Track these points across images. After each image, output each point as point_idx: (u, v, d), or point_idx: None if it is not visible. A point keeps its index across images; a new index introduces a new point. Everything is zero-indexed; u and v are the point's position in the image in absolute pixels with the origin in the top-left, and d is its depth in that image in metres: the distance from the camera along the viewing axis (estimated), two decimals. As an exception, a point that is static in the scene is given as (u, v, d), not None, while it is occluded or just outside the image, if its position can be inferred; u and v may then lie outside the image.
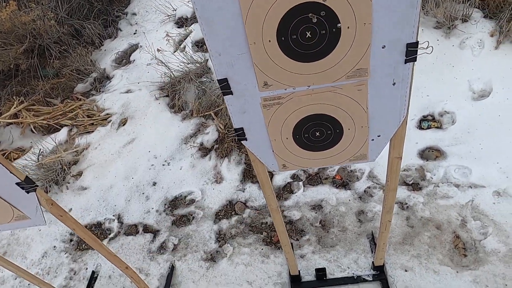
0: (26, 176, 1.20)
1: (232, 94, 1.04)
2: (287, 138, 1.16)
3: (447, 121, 2.40)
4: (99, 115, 3.12)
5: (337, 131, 1.15)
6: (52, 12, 3.59)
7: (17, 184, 1.19)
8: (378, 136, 1.17)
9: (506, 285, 1.75)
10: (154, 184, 2.65)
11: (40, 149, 2.94)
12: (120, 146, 2.89)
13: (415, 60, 0.98)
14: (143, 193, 2.62)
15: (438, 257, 1.91)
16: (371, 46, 0.94)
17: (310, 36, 0.90)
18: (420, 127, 2.43)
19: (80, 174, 2.86)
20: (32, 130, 3.21)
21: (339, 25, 0.89)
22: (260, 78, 0.99)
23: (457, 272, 1.83)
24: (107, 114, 3.11)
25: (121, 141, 2.92)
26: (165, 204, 2.53)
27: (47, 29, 3.53)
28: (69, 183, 2.83)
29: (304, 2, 0.85)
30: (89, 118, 3.11)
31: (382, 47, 0.94)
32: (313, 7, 0.86)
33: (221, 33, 0.90)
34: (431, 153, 2.31)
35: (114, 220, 2.53)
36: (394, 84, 1.03)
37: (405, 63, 0.99)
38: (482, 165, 2.15)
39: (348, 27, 0.89)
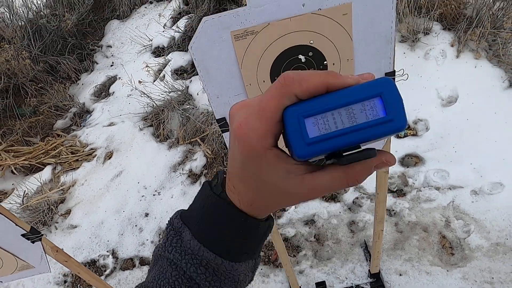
0: (32, 227, 1.21)
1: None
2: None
3: (421, 128, 2.56)
4: (83, 151, 3.10)
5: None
6: (26, 51, 3.56)
7: (23, 235, 1.20)
8: (366, 155, 1.27)
9: (493, 277, 1.87)
10: (147, 215, 2.65)
11: (25, 190, 2.88)
12: (108, 180, 2.87)
13: (394, 87, 1.10)
14: (136, 226, 2.61)
15: (429, 258, 2.02)
16: (355, 78, 1.04)
17: (300, 74, 1.00)
18: (398, 136, 2.58)
19: (68, 212, 2.81)
20: (12, 172, 3.14)
21: (325, 62, 0.98)
22: (257, 114, 1.07)
23: (447, 270, 1.95)
24: (92, 149, 3.09)
25: (109, 175, 2.91)
26: (159, 234, 2.53)
27: (22, 68, 3.50)
28: (57, 222, 2.78)
29: (294, 46, 0.94)
30: (73, 155, 3.08)
31: (364, 78, 1.05)
32: (301, 49, 0.95)
33: (218, 78, 0.98)
34: (410, 160, 2.45)
35: (108, 256, 2.51)
36: (377, 108, 1.13)
37: (385, 89, 1.09)
38: (457, 167, 2.31)
39: (334, 64, 0.99)
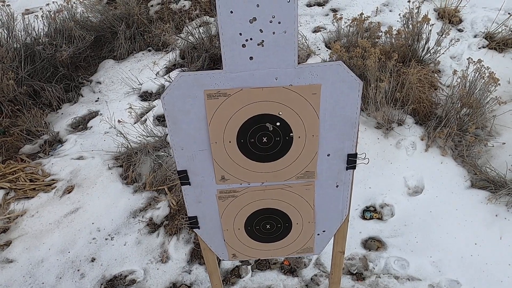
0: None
1: (189, 185, 1.09)
2: (239, 229, 1.20)
3: (387, 213, 2.59)
4: (43, 180, 2.95)
5: (286, 224, 1.22)
6: (12, 72, 3.56)
7: None
8: (323, 231, 1.26)
9: None
10: (93, 260, 2.46)
11: (-33, 213, 2.66)
12: (61, 216, 2.71)
13: (355, 168, 1.13)
14: (78, 270, 2.41)
15: None
16: (318, 154, 1.07)
17: (266, 141, 1.02)
18: (363, 217, 2.59)
19: (8, 244, 2.58)
20: (-39, 190, 2.92)
21: (291, 134, 1.02)
22: (218, 172, 1.07)
23: None
24: (53, 179, 2.95)
25: (63, 210, 2.75)
26: (101, 284, 2.33)
27: (4, 87, 3.46)
28: (-8, 254, 2.53)
29: (263, 114, 0.98)
30: (31, 182, 2.93)
31: (327, 155, 1.08)
32: (270, 118, 0.99)
33: (185, 131, 0.99)
34: (373, 243, 2.43)
35: (38, 300, 2.26)
36: (337, 186, 1.15)
37: (346, 169, 1.13)
38: (417, 258, 2.30)
39: (299, 137, 1.03)
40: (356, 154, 1.08)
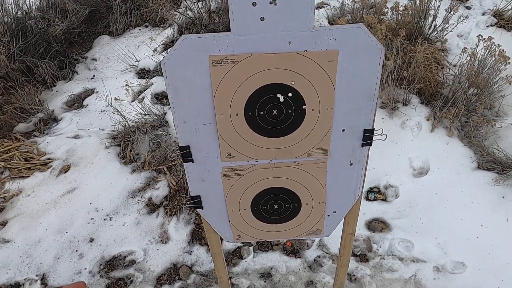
0: None
1: (192, 162, 1.02)
2: (245, 209, 1.13)
3: (391, 194, 2.54)
4: (38, 159, 2.87)
5: (295, 205, 1.15)
6: (4, 47, 3.41)
7: None
8: (334, 212, 1.19)
9: None
10: (91, 240, 2.41)
11: (-40, 192, 2.59)
12: (58, 195, 2.64)
13: (371, 145, 1.05)
14: (76, 250, 2.36)
15: (384, 334, 1.89)
16: (332, 129, 0.99)
17: (276, 113, 0.94)
18: (367, 198, 2.54)
19: (4, 224, 2.52)
20: (-46, 169, 2.84)
21: (304, 106, 0.94)
22: (224, 148, 0.99)
23: None
24: (48, 159, 2.87)
25: (60, 190, 2.67)
26: (100, 265, 2.28)
27: (-5, 63, 3.33)
28: (-12, 234, 2.47)
29: (274, 83, 0.89)
30: (27, 162, 2.84)
31: (342, 130, 1.00)
32: (281, 88, 0.90)
33: (188, 102, 0.91)
34: (377, 225, 2.39)
35: (36, 281, 2.22)
36: (351, 164, 1.08)
37: (362, 146, 1.05)
38: (422, 239, 2.26)
39: (312, 110, 0.94)
40: (373, 129, 1.01)
